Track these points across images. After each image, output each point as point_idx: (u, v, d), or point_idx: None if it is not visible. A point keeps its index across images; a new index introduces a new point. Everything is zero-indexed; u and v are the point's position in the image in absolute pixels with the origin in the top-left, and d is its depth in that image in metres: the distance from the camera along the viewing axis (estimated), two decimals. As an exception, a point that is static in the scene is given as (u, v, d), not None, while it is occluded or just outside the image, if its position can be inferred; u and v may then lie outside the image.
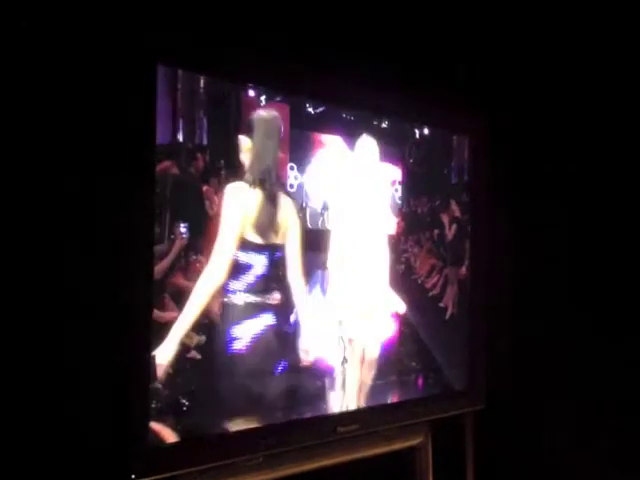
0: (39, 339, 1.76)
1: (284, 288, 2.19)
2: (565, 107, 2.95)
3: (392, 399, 2.55)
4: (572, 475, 2.94)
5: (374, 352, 2.50)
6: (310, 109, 2.34)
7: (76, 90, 1.82)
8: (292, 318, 2.23)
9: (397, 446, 2.53)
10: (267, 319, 2.14)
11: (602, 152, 2.89)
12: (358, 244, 2.47)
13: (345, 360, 2.38)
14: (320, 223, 2.36)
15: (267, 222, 2.09)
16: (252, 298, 2.08)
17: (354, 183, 2.49)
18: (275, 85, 2.21)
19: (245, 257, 2.06)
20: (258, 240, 2.09)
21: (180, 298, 1.96)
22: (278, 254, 2.17)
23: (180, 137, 2.01)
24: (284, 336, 2.20)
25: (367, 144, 2.46)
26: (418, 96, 2.58)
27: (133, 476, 1.74)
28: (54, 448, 1.77)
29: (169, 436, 1.90)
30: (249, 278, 2.08)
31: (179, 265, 1.96)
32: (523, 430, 2.99)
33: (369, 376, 2.48)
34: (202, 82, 2.07)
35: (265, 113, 2.11)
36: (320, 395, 2.33)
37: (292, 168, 2.30)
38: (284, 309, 2.19)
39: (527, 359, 3.00)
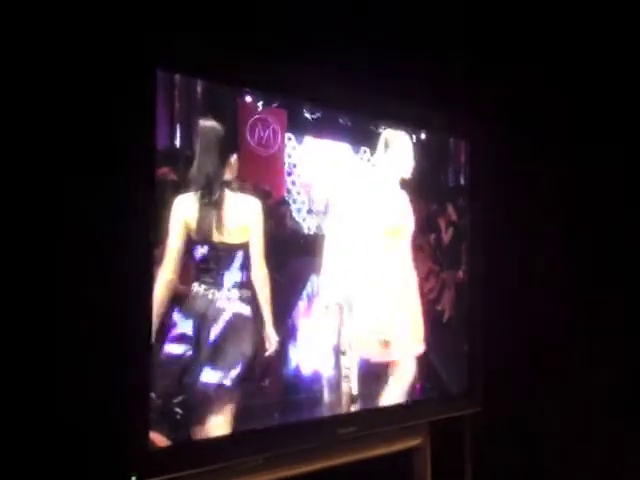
0: (38, 340, 1.78)
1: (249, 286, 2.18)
2: (563, 110, 2.98)
3: (391, 401, 2.55)
4: (570, 477, 2.96)
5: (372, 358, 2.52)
6: (307, 114, 2.36)
7: (74, 94, 1.84)
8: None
9: (396, 448, 2.55)
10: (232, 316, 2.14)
11: (600, 156, 2.92)
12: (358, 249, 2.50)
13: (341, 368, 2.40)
14: (316, 227, 2.38)
15: (210, 224, 2.08)
16: (210, 292, 2.09)
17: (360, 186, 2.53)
18: (272, 89, 2.24)
19: (199, 254, 2.08)
20: (204, 239, 2.08)
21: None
22: (238, 252, 2.16)
23: (177, 143, 2.03)
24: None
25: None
26: (416, 100, 2.61)
27: (134, 478, 1.76)
28: (53, 450, 1.78)
29: (168, 438, 1.92)
30: (206, 275, 2.10)
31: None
32: (521, 432, 3.01)
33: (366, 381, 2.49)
34: (199, 88, 2.09)
35: (203, 123, 2.10)
36: (319, 397, 2.34)
37: (290, 173, 2.33)
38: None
39: (525, 362, 3.02)
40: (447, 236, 2.81)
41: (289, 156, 2.33)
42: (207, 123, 2.07)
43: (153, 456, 1.84)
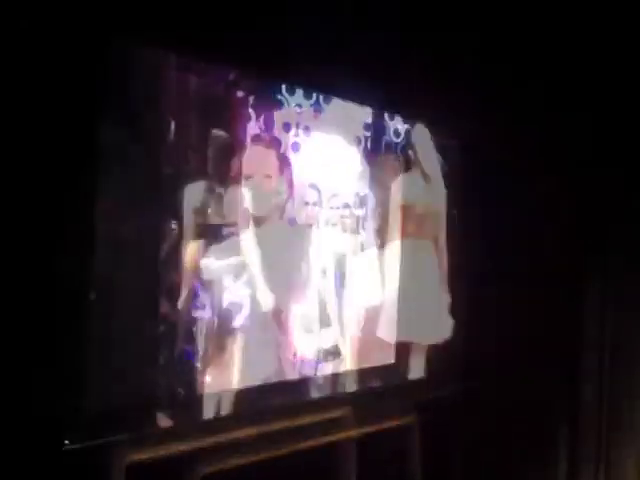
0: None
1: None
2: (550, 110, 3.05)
3: (380, 382, 2.66)
4: (553, 453, 3.06)
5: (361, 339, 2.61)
6: (298, 106, 2.41)
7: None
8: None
9: (386, 426, 2.64)
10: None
11: (587, 155, 3.00)
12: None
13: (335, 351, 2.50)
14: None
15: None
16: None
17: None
18: (258, 72, 2.27)
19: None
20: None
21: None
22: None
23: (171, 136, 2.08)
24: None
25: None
26: (409, 95, 2.68)
27: (67, 441, 1.76)
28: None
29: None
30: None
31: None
32: (506, 412, 3.10)
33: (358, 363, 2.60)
34: (192, 82, 2.14)
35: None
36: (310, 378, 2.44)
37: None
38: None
39: (511, 343, 3.10)
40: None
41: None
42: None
43: (85, 421, 1.81)
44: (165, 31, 1.95)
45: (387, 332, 2.70)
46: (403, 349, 2.78)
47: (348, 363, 2.56)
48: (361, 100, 2.60)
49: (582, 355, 3.06)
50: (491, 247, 3.01)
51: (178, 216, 2.05)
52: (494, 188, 3.02)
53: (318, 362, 2.45)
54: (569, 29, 2.84)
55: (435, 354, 2.88)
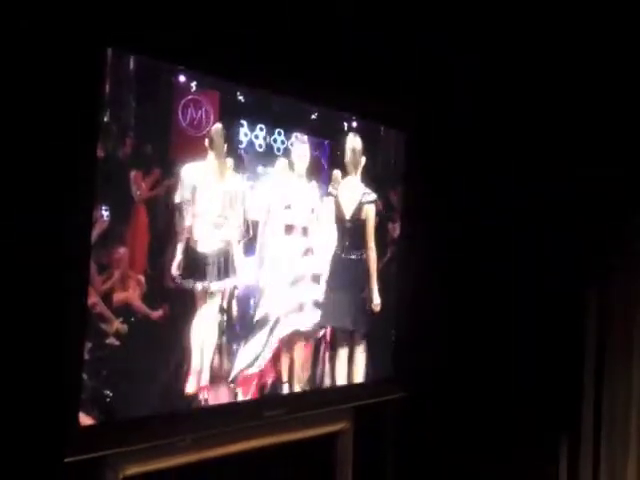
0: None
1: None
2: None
3: (318, 385, 2.59)
4: (491, 461, 3.07)
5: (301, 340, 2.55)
6: (241, 97, 2.36)
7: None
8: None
9: (321, 431, 2.58)
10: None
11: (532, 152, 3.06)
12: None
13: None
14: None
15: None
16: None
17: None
18: (206, 70, 2.22)
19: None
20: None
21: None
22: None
23: (107, 119, 1.99)
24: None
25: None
26: (354, 88, 2.63)
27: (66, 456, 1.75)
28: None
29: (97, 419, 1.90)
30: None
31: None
32: (445, 418, 3.10)
33: (297, 363, 2.52)
34: (132, 64, 2.05)
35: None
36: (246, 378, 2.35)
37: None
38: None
39: (451, 349, 3.11)
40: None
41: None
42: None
43: (81, 435, 1.82)
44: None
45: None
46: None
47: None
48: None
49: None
50: (430, 252, 3.03)
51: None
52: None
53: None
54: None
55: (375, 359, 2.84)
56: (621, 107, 2.88)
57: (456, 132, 3.11)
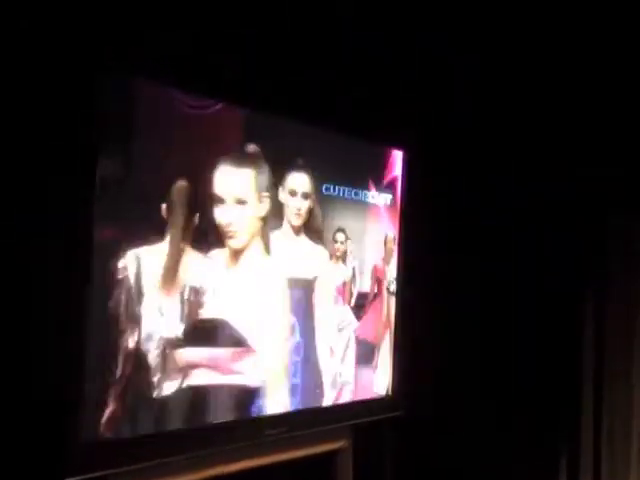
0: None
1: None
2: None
3: (318, 403, 2.57)
4: (490, 479, 3.05)
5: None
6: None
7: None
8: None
9: (320, 449, 2.56)
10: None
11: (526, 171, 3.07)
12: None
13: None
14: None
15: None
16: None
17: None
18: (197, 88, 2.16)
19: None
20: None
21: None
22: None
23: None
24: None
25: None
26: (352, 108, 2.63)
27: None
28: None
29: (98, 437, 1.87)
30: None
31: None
32: (443, 437, 3.09)
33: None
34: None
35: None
36: (249, 398, 2.33)
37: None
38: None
39: (448, 367, 3.10)
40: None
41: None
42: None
43: (80, 455, 1.79)
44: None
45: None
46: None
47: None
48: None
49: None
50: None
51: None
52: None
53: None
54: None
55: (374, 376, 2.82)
56: (621, 107, 2.89)
57: (456, 132, 3.11)
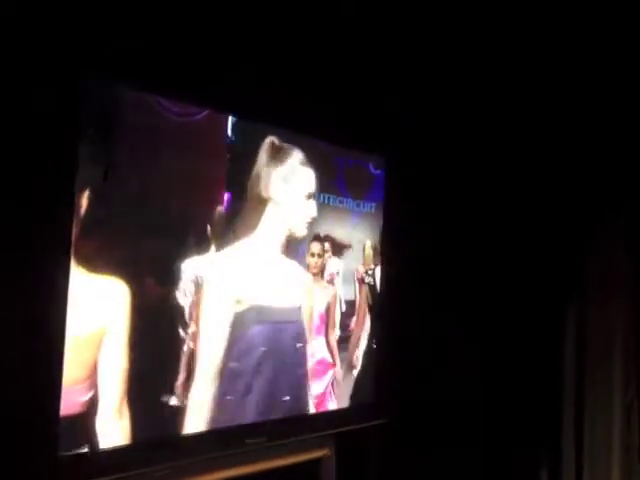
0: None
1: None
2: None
3: (299, 412, 2.56)
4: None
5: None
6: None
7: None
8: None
9: (303, 458, 2.55)
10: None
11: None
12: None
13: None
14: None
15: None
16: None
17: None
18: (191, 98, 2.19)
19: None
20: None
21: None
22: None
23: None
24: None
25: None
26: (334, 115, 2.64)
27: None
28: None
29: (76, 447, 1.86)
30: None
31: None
32: (428, 444, 3.08)
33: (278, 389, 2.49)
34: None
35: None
36: (229, 406, 2.31)
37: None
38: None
39: (432, 376, 3.10)
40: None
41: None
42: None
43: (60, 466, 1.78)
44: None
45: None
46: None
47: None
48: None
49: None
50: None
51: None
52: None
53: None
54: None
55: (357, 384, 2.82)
56: (621, 107, 2.92)
57: (437, 138, 3.13)
